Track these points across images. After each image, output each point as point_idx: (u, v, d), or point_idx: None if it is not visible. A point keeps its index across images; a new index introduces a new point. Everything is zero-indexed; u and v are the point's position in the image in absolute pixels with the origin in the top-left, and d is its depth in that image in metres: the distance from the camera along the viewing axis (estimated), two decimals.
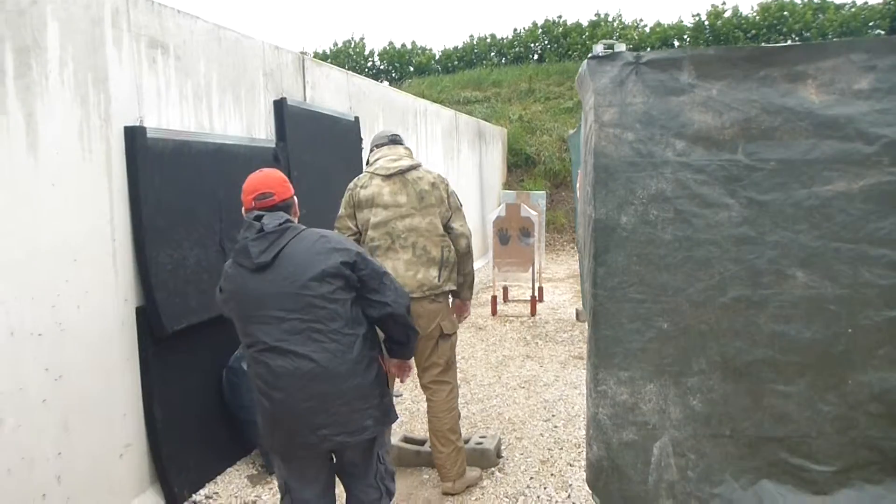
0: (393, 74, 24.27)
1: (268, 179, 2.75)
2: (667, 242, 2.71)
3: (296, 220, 2.77)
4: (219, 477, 3.95)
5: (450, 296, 3.80)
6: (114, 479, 3.38)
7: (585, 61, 2.80)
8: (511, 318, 8.28)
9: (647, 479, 2.83)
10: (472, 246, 3.79)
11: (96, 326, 3.28)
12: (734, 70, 2.65)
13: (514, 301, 9.40)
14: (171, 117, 3.82)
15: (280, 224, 2.59)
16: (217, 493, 3.79)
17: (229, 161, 4.26)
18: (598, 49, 2.75)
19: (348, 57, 24.25)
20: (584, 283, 2.95)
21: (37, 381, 2.94)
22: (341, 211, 3.76)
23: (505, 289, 9.52)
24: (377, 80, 23.64)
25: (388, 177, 3.68)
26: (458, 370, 5.99)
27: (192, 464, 3.81)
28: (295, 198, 2.82)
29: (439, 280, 3.62)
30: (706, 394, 2.74)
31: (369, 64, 24.47)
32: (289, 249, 2.55)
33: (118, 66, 3.42)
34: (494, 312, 8.53)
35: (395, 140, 3.90)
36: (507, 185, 16.28)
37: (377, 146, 3.89)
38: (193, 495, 3.75)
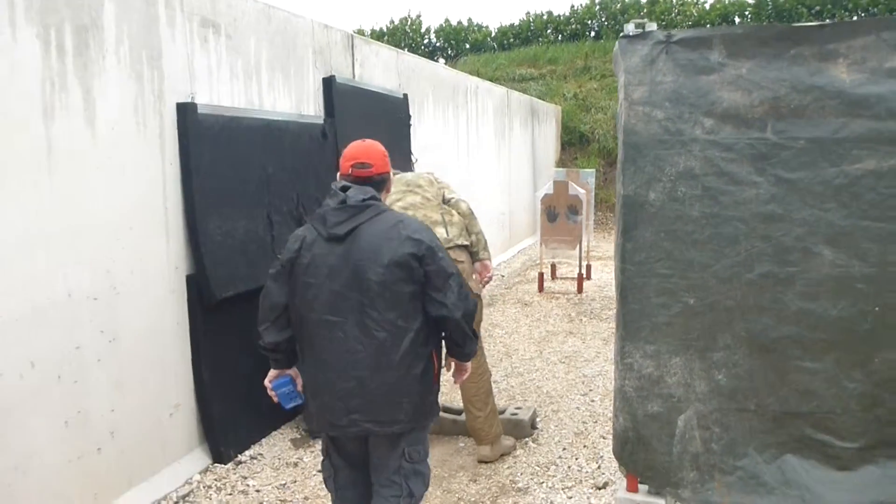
0: (449, 52, 24.27)
1: (370, 150, 2.68)
2: (694, 219, 2.75)
3: (385, 198, 2.71)
4: (264, 439, 4.15)
5: (468, 254, 3.89)
6: (164, 437, 3.59)
7: (617, 41, 2.84)
8: (557, 295, 8.33)
9: (671, 450, 2.89)
10: (473, 210, 4.00)
11: (149, 292, 3.47)
12: (765, 49, 2.66)
13: (561, 278, 9.44)
14: (221, 94, 3.98)
15: (364, 199, 2.53)
16: (262, 454, 3.98)
17: (278, 136, 4.42)
18: (630, 28, 2.79)
19: (405, 34, 24.32)
20: (615, 259, 3.01)
21: (92, 342, 3.14)
22: None
23: (553, 266, 9.56)
24: (433, 57, 23.73)
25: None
26: (501, 344, 6.14)
27: (239, 426, 4.00)
28: (392, 174, 2.77)
29: (448, 234, 3.75)
30: (731, 369, 2.78)
31: (425, 41, 24.50)
32: (365, 228, 2.50)
33: (171, 45, 3.59)
34: (541, 289, 8.59)
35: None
36: (561, 163, 16.23)
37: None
38: (239, 455, 3.94)
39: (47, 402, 2.95)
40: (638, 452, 2.93)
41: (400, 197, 3.84)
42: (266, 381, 2.69)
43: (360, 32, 24.23)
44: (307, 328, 2.54)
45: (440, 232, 3.77)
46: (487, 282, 4.04)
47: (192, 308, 3.74)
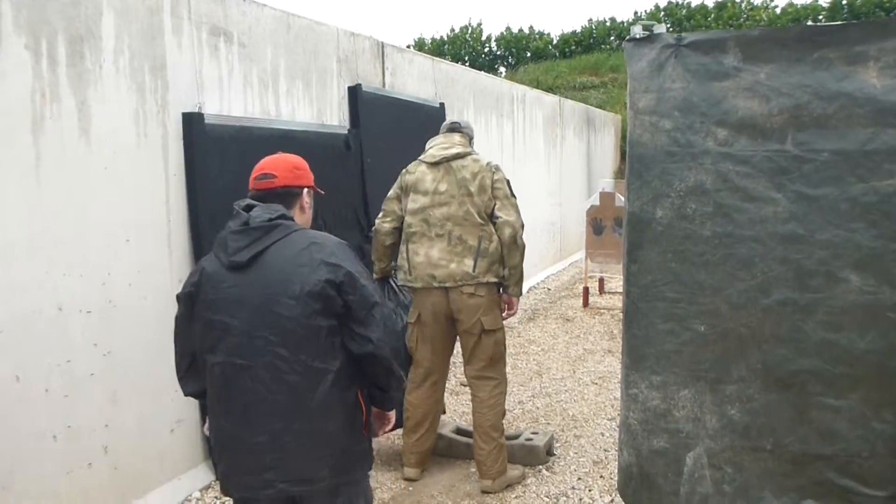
0: (510, 60, 24.11)
1: (276, 161, 2.35)
2: (705, 239, 2.53)
3: (301, 216, 2.32)
4: None
5: (496, 289, 3.66)
6: (164, 453, 3.51)
7: (623, 44, 2.64)
8: (602, 311, 8.05)
9: (678, 490, 2.66)
10: (520, 238, 3.60)
11: (149, 305, 3.40)
12: (784, 52, 2.42)
13: (610, 293, 9.14)
14: (233, 103, 3.90)
15: (270, 219, 2.16)
16: None
17: (296, 147, 4.26)
18: (636, 31, 2.58)
19: (465, 43, 24.27)
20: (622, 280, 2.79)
21: (85, 355, 3.08)
22: (390, 193, 3.76)
23: (601, 280, 9.26)
24: (493, 65, 23.60)
25: (433, 164, 3.62)
26: (534, 362, 5.91)
27: None
28: (306, 191, 2.34)
29: (474, 270, 3.51)
30: (746, 403, 2.54)
31: (486, 50, 24.39)
32: (272, 253, 2.13)
33: (177, 54, 3.52)
34: (586, 304, 8.32)
35: (453, 128, 3.83)
36: (619, 173, 15.85)
37: (441, 132, 3.86)
38: None
39: (33, 416, 2.89)
40: (642, 491, 2.71)
41: (438, 196, 3.56)
42: (205, 430, 2.42)
43: (420, 43, 24.25)
44: (213, 374, 2.16)
45: (466, 265, 3.52)
46: (508, 317, 3.79)
47: None
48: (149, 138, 3.38)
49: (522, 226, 3.63)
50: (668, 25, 22.30)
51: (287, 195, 2.29)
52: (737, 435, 2.55)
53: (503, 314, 3.72)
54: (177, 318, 2.30)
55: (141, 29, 3.32)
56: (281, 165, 2.34)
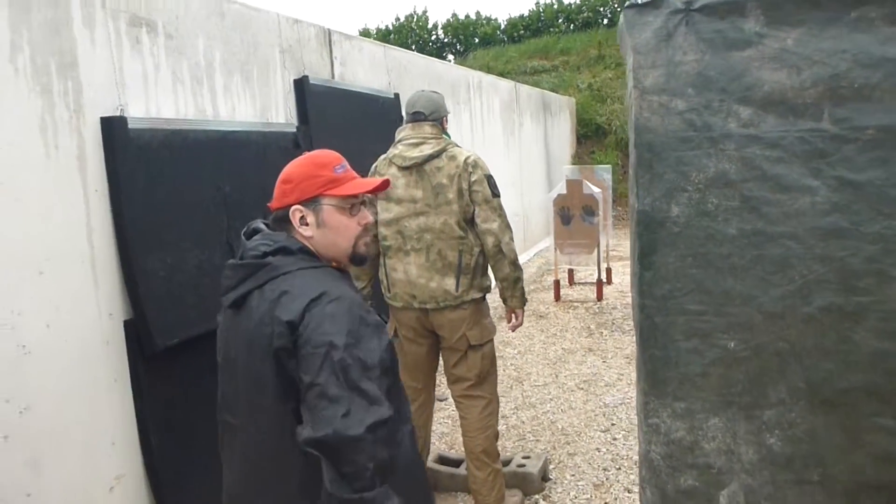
0: (458, 47, 23.69)
1: (287, 170, 1.93)
2: (731, 238, 2.12)
3: (321, 233, 1.87)
4: None
5: (482, 299, 3.24)
6: None
7: (622, 12, 2.22)
8: (576, 304, 7.69)
9: None
10: (506, 245, 3.18)
11: (73, 346, 2.90)
12: (815, 12, 2.02)
13: (580, 284, 8.79)
14: (161, 104, 3.40)
15: (265, 253, 1.80)
16: None
17: (238, 149, 3.83)
18: None
19: (411, 31, 23.76)
20: (632, 289, 2.39)
21: None
22: None
23: (570, 272, 8.91)
24: (441, 53, 23.13)
25: (405, 168, 3.18)
26: (512, 367, 5.51)
27: (197, 492, 3.41)
28: (300, 209, 1.86)
29: (457, 290, 3.10)
30: (787, 430, 2.15)
31: (433, 38, 23.91)
32: (254, 299, 1.77)
33: (90, 49, 3.01)
34: (558, 298, 7.96)
35: (417, 117, 3.37)
36: (577, 158, 15.58)
37: (406, 122, 3.41)
38: None
39: None
40: None
41: (413, 205, 3.14)
42: None
43: (366, 32, 23.68)
44: (219, 417, 1.93)
45: (448, 284, 3.11)
46: (515, 328, 3.39)
47: (134, 360, 3.16)
48: (60, 150, 2.86)
49: (509, 228, 3.21)
50: (616, 5, 22.04)
51: (282, 220, 1.90)
52: (778, 467, 2.17)
53: (509, 327, 3.31)
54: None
55: (44, 20, 2.79)
56: (280, 178, 1.93)
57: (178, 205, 3.35)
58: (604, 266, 8.37)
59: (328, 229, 1.87)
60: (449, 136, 3.39)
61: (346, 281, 1.88)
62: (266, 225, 1.93)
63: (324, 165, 1.90)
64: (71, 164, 2.91)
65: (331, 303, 1.67)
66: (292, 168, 1.92)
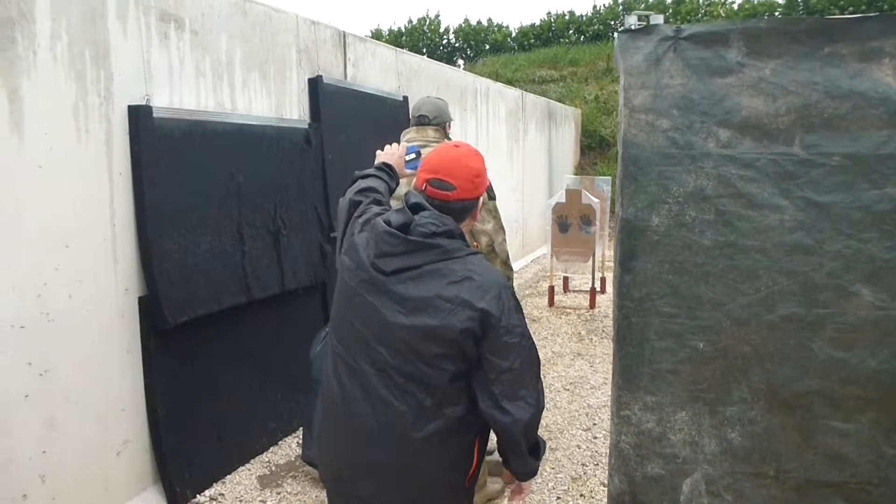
0: (468, 52, 23.87)
1: (456, 165, 2.02)
2: (705, 249, 2.32)
3: (469, 223, 2.10)
4: (228, 476, 3.75)
5: None
6: (109, 478, 3.21)
7: (616, 35, 2.42)
8: (568, 311, 7.88)
9: None
10: (499, 245, 3.34)
11: (92, 317, 3.10)
12: (793, 46, 2.22)
13: (574, 291, 8.98)
14: (184, 96, 3.60)
15: (435, 232, 1.89)
16: (223, 493, 3.59)
17: (253, 142, 4.03)
18: (631, 21, 2.36)
19: (423, 34, 23.95)
20: (613, 291, 2.58)
21: (18, 376, 2.77)
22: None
23: (565, 279, 9.10)
24: (451, 58, 23.32)
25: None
26: None
27: (198, 462, 3.62)
28: (481, 200, 2.10)
29: None
30: (747, 426, 2.35)
31: (444, 42, 24.11)
32: (419, 273, 1.87)
33: (122, 41, 3.21)
34: (551, 303, 8.15)
35: (422, 121, 3.56)
36: (580, 168, 15.75)
37: (411, 125, 3.59)
38: (198, 496, 3.56)
39: None
40: None
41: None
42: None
43: (378, 34, 23.86)
44: (336, 365, 1.98)
45: None
46: None
47: (146, 334, 3.36)
48: (90, 134, 3.06)
49: (503, 230, 3.39)
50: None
51: (462, 210, 2.03)
52: (737, 460, 2.36)
53: None
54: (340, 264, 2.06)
55: (81, 11, 3.00)
56: (461, 174, 2.03)
57: (195, 191, 3.55)
58: (598, 275, 8.56)
59: (476, 218, 2.16)
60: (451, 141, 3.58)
61: None
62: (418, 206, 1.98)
63: None
64: (99, 148, 3.11)
65: (513, 296, 1.96)
66: (476, 162, 2.09)
